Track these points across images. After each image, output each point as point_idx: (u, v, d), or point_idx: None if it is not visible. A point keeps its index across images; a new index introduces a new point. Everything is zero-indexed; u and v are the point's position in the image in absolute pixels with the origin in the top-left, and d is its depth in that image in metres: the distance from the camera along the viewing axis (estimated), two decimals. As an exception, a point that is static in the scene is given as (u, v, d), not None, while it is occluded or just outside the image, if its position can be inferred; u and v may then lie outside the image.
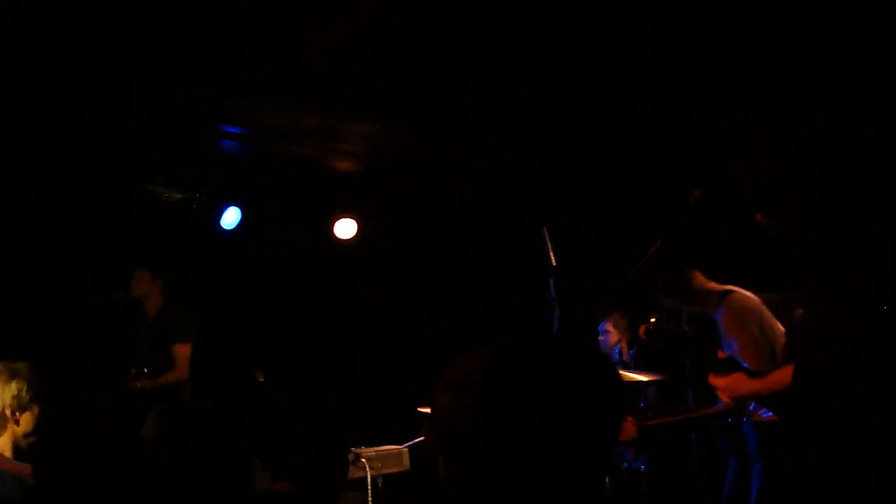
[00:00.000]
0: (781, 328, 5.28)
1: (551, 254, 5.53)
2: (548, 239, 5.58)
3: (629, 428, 5.07)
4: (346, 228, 7.91)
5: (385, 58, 5.22)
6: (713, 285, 5.43)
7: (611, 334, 6.87)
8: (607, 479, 5.84)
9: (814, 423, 5.28)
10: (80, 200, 7.07)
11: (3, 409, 3.72)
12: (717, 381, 5.05)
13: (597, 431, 1.64)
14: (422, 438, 6.03)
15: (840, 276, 5.23)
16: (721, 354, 5.17)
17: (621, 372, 5.99)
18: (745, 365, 5.21)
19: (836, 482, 5.25)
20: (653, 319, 5.38)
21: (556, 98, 5.90)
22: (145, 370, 6.44)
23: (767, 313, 5.33)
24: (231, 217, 7.70)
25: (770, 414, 5.18)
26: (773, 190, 5.53)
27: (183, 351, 6.62)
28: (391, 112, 6.12)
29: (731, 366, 5.06)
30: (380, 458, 5.78)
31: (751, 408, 5.23)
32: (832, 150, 5.16)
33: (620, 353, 6.79)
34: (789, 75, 5.11)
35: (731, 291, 5.36)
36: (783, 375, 5.02)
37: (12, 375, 3.81)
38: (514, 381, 1.62)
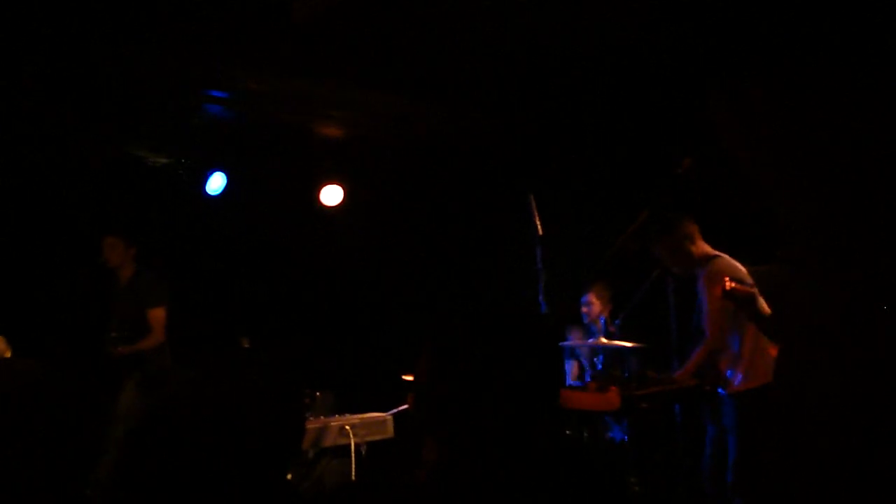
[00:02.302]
0: (765, 305, 5.29)
1: (538, 222, 5.51)
2: (535, 207, 5.56)
3: (613, 398, 5.07)
4: (332, 195, 7.89)
5: (372, 22, 5.17)
6: (706, 247, 5.41)
7: (594, 305, 6.87)
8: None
9: (799, 393, 5.33)
10: (64, 165, 7.02)
11: None
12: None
13: (528, 397, 1.81)
14: (406, 406, 6.03)
15: (831, 250, 5.25)
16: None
17: (605, 341, 6.02)
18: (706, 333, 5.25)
19: (820, 451, 5.30)
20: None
21: (548, 66, 5.86)
22: (124, 335, 6.41)
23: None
24: (217, 182, 7.65)
25: (739, 380, 5.20)
26: (764, 163, 5.54)
27: (158, 315, 6.57)
28: (378, 78, 6.07)
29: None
30: (364, 425, 5.80)
31: (727, 375, 5.24)
32: (826, 131, 5.17)
33: (605, 322, 6.80)
34: (785, 56, 5.10)
35: (718, 256, 5.36)
36: None
37: None
38: (459, 350, 1.83)
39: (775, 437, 5.18)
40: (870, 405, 5.24)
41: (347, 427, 5.67)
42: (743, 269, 5.35)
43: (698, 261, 5.38)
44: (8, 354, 4.66)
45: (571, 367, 7.09)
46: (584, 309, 6.93)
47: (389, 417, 5.99)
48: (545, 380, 1.82)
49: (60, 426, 2.00)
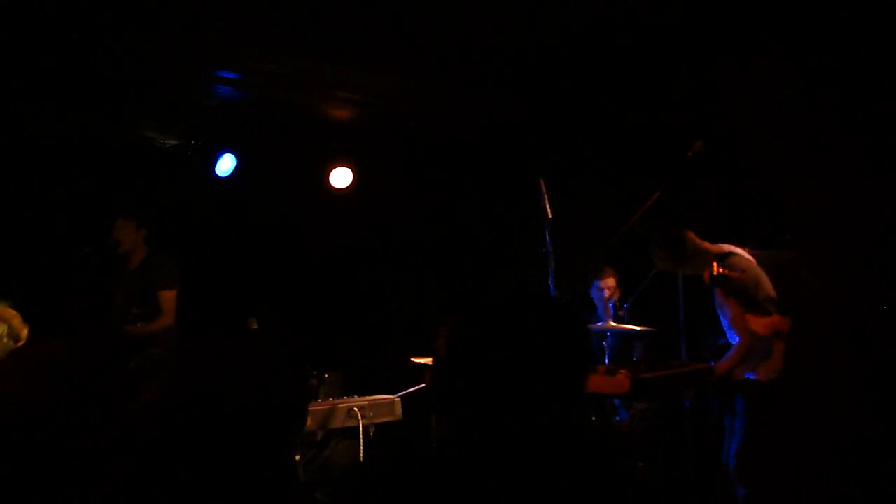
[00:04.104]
0: (773, 291, 5.30)
1: (547, 205, 5.50)
2: (544, 190, 5.54)
3: (622, 381, 5.06)
4: (341, 177, 7.88)
5: (383, 3, 5.15)
6: (707, 245, 5.40)
7: (605, 290, 6.86)
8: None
9: (806, 380, 5.31)
10: (74, 146, 7.02)
11: None
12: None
13: (554, 381, 1.77)
14: (415, 388, 6.04)
15: (837, 233, 5.23)
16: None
17: (613, 324, 6.01)
18: (733, 335, 5.24)
19: (826, 442, 5.29)
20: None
21: (557, 48, 5.83)
22: (144, 311, 6.44)
23: (763, 275, 5.32)
24: (226, 164, 7.65)
25: (751, 375, 5.20)
26: (774, 146, 5.52)
27: (169, 297, 6.59)
28: (389, 59, 6.05)
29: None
30: (372, 407, 5.80)
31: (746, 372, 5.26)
32: (835, 110, 5.13)
33: (615, 307, 6.79)
34: (795, 34, 5.06)
35: (728, 254, 5.33)
36: None
37: None
38: (482, 331, 1.79)
39: (782, 426, 5.17)
40: (879, 395, 5.23)
41: (356, 409, 5.67)
42: (751, 258, 5.35)
43: (706, 263, 5.36)
44: (25, 332, 4.67)
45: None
46: (606, 293, 6.90)
47: (398, 399, 5.99)
48: (573, 366, 1.78)
49: (84, 408, 2.01)
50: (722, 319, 5.41)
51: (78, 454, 2.00)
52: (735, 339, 5.28)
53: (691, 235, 5.41)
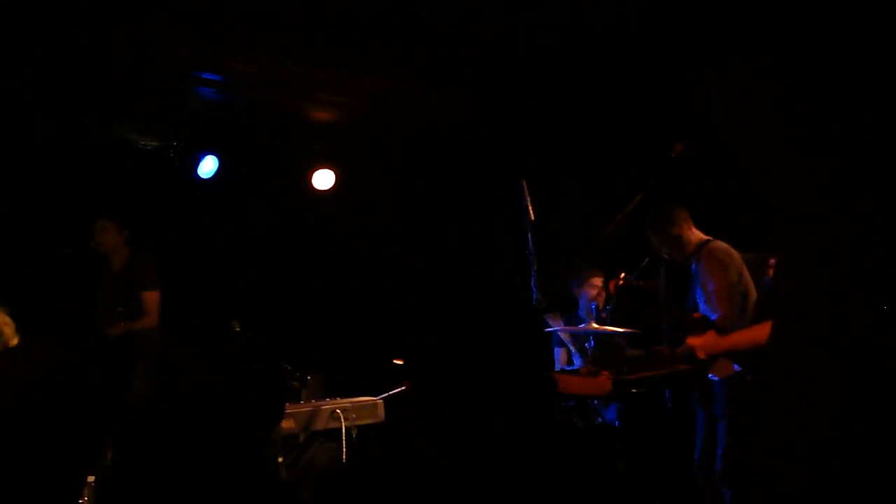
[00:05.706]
0: (754, 290, 5.33)
1: (530, 207, 5.51)
2: (527, 192, 5.55)
3: (604, 382, 5.08)
4: (324, 179, 7.87)
5: (366, 4, 5.15)
6: (698, 232, 5.46)
7: (590, 290, 6.87)
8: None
9: (787, 381, 5.33)
10: (55, 148, 6.99)
11: None
12: (693, 340, 5.09)
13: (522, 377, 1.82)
14: (397, 390, 6.04)
15: (818, 234, 5.25)
16: (696, 315, 5.19)
17: (596, 326, 6.03)
18: (712, 315, 5.24)
19: (808, 441, 5.30)
20: (622, 275, 5.43)
21: (540, 49, 5.85)
22: (129, 310, 6.43)
23: (746, 272, 5.37)
24: (208, 166, 7.63)
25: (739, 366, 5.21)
26: (755, 147, 5.54)
27: (152, 297, 6.60)
28: (371, 61, 6.05)
29: (704, 325, 5.10)
30: (355, 409, 5.79)
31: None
32: (816, 110, 5.15)
33: (597, 308, 6.80)
34: (774, 34, 5.09)
35: (712, 239, 5.42)
36: (756, 333, 5.06)
37: None
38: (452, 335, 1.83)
39: (766, 426, 5.18)
40: (863, 395, 5.24)
41: (338, 411, 5.67)
42: (736, 252, 5.39)
43: (694, 246, 5.42)
44: (15, 342, 4.65)
45: (560, 354, 7.09)
46: (593, 292, 6.91)
47: (380, 401, 5.98)
48: (527, 362, 1.79)
49: (76, 413, 1.99)
50: (698, 295, 5.42)
51: (68, 457, 2.00)
52: (713, 316, 5.28)
53: (686, 216, 5.46)
